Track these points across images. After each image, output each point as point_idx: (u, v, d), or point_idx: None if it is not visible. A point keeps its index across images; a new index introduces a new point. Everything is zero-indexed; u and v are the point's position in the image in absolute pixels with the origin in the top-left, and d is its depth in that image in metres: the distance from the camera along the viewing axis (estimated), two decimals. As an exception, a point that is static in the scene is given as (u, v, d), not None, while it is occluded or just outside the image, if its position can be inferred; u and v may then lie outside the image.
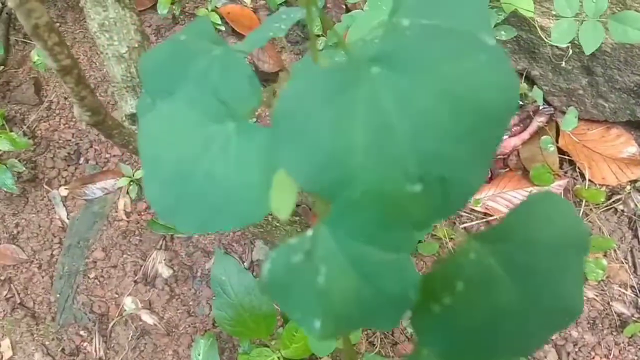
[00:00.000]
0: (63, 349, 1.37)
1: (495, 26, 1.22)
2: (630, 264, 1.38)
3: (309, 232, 0.26)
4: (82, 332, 1.38)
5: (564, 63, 1.39)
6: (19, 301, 1.43)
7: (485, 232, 0.28)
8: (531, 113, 1.48)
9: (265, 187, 0.29)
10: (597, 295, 1.34)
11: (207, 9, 1.63)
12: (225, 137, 0.30)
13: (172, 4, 1.62)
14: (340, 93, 0.22)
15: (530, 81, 1.50)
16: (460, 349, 0.28)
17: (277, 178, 0.26)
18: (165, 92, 0.33)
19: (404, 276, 0.24)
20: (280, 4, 1.51)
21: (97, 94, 1.61)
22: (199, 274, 1.41)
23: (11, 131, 1.52)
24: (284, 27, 0.47)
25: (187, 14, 1.71)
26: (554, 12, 1.22)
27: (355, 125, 0.21)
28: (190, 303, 1.39)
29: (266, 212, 0.29)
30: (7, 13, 1.73)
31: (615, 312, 1.33)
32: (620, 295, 1.35)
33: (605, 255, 1.37)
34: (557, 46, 1.37)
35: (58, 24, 1.74)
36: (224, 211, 0.29)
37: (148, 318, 1.37)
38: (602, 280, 1.35)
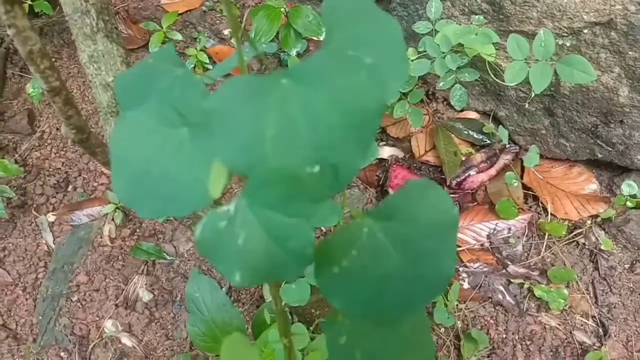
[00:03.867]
0: (42, 370, 1.41)
1: (459, 68, 1.32)
2: (592, 295, 1.44)
3: (232, 204, 0.33)
4: (62, 354, 1.42)
5: (527, 105, 1.49)
6: (1, 322, 1.47)
7: (376, 211, 0.35)
8: (497, 151, 1.57)
9: (209, 180, 0.36)
10: (559, 324, 1.40)
11: (196, 48, 1.72)
12: (179, 139, 0.37)
13: (163, 43, 1.72)
14: (258, 96, 0.29)
15: (497, 121, 1.60)
16: (357, 303, 0.34)
17: (214, 165, 0.33)
18: (135, 105, 0.40)
19: (303, 237, 0.31)
20: (264, 44, 1.61)
21: (89, 126, 1.69)
22: (178, 298, 1.46)
23: (3, 158, 1.58)
24: (246, 58, 0.55)
25: (178, 53, 1.80)
26: (515, 57, 1.32)
27: (267, 122, 0.29)
28: (169, 327, 1.44)
29: (210, 200, 0.36)
30: (5, 48, 1.82)
31: (577, 341, 1.39)
32: (582, 325, 1.41)
33: (567, 286, 1.44)
34: (520, 89, 1.47)
35: (54, 60, 1.84)
36: (175, 200, 0.36)
37: (127, 341, 1.42)
38: (565, 309, 1.41)
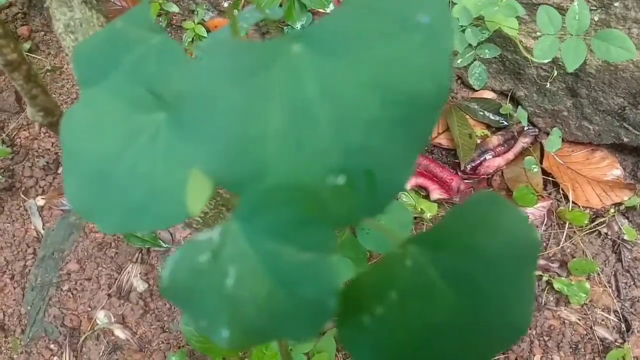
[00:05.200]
0: (31, 364, 1.33)
1: (479, 44, 1.21)
2: (614, 288, 1.36)
3: (216, 229, 0.23)
4: (52, 346, 1.34)
5: (548, 84, 1.39)
6: (-12, 313, 1.38)
7: (424, 236, 0.26)
8: (516, 134, 1.47)
9: (188, 188, 0.27)
10: (579, 320, 1.32)
11: (194, 21, 1.61)
12: (154, 128, 0.28)
13: (159, 16, 1.61)
14: (255, 72, 0.20)
15: (515, 102, 1.50)
16: (395, 365, 0.25)
17: (194, 171, 0.24)
18: (98, 83, 0.31)
19: (322, 280, 0.21)
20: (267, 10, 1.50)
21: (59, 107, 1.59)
22: (174, 288, 1.38)
23: (-11, 138, 1.49)
24: (246, 25, 0.45)
25: (174, 26, 1.70)
26: (538, 33, 1.22)
27: (271, 110, 0.19)
28: (165, 318, 1.35)
29: (191, 215, 0.27)
30: (-9, 20, 1.71)
31: (598, 337, 1.30)
32: (603, 320, 1.32)
33: (588, 279, 1.35)
34: (542, 67, 1.36)
35: (43, 33, 1.73)
36: (146, 210, 0.27)
37: (121, 333, 1.34)
38: (585, 303, 1.33)
